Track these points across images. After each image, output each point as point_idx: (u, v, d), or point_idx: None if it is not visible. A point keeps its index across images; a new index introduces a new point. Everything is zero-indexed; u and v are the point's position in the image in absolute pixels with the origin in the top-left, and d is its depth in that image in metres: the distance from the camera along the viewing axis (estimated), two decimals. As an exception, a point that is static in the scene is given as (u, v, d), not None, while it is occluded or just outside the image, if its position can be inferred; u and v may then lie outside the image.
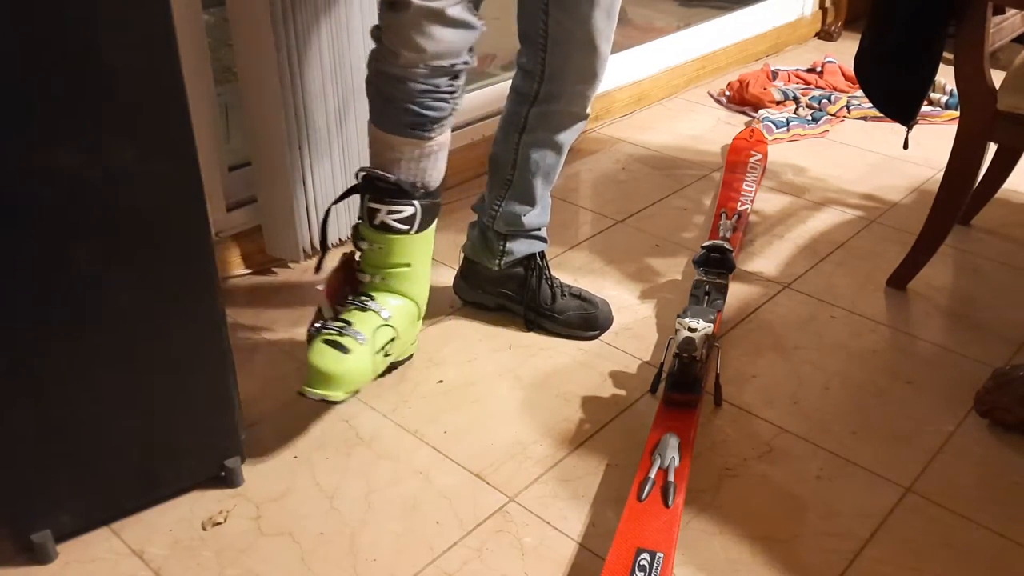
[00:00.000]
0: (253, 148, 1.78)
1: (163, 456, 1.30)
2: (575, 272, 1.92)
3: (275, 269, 1.91)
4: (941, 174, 1.79)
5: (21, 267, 1.08)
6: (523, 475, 1.40)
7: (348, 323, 1.41)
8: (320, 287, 1.47)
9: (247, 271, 1.89)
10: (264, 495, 1.36)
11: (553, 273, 1.73)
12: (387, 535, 1.29)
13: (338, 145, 1.80)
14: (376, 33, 1.35)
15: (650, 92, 2.79)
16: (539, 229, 1.69)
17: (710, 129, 2.64)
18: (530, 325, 1.72)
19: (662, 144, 2.53)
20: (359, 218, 1.45)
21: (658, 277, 1.92)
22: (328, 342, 1.37)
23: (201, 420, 1.31)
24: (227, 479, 1.36)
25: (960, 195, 1.78)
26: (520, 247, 1.68)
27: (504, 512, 1.34)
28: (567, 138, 1.62)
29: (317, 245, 1.59)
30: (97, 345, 1.17)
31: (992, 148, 1.86)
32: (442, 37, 1.30)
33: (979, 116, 1.68)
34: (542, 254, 1.70)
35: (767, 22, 3.19)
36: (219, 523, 1.31)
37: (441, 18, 1.28)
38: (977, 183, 1.88)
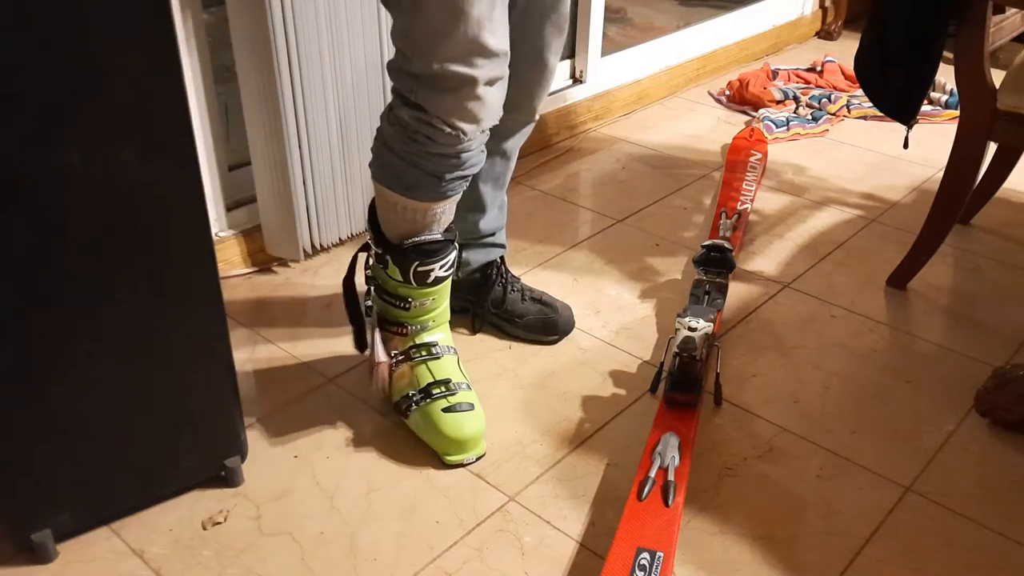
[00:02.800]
0: (253, 147, 1.78)
1: (163, 456, 1.30)
2: (575, 272, 1.92)
3: (275, 268, 1.91)
4: (941, 173, 1.78)
5: (21, 267, 1.07)
6: (523, 475, 1.40)
7: (447, 380, 1.42)
8: (381, 359, 1.43)
9: (247, 270, 1.89)
10: (264, 495, 1.36)
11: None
12: (387, 535, 1.30)
13: (338, 144, 1.80)
14: (416, 116, 1.22)
15: (650, 91, 2.79)
16: (494, 234, 1.65)
17: (710, 128, 2.64)
18: (476, 319, 1.68)
19: (662, 143, 2.53)
20: (374, 281, 1.40)
21: (658, 276, 1.92)
22: (449, 409, 1.39)
23: (201, 420, 1.31)
24: (227, 479, 1.36)
25: (960, 194, 1.78)
26: (477, 256, 1.65)
27: (504, 511, 1.34)
28: (515, 144, 1.58)
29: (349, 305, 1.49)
30: (97, 345, 1.17)
31: (992, 147, 1.86)
32: (497, 100, 1.23)
33: (979, 115, 1.68)
34: (501, 259, 1.67)
35: (767, 21, 3.19)
36: (219, 523, 1.31)
37: (500, 82, 1.22)
38: (977, 182, 1.88)
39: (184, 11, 1.60)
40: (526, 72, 1.45)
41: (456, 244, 1.39)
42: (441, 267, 1.37)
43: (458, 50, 1.15)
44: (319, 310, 1.79)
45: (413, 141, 1.24)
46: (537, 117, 1.56)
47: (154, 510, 1.32)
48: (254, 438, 1.44)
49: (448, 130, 1.21)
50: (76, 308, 1.13)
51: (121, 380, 1.21)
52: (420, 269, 1.35)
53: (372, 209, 1.39)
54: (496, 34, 1.16)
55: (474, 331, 1.69)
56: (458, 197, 1.34)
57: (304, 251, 1.86)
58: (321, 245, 1.89)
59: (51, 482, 1.21)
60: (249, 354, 1.65)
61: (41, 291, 1.10)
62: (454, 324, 1.69)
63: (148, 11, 1.04)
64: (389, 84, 1.28)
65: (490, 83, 1.19)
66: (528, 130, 1.58)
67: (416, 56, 1.18)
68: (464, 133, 1.22)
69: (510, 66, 1.42)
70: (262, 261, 1.91)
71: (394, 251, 1.35)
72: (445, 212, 1.34)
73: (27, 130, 1.02)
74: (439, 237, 1.35)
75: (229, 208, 1.87)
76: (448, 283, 1.43)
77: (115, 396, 1.21)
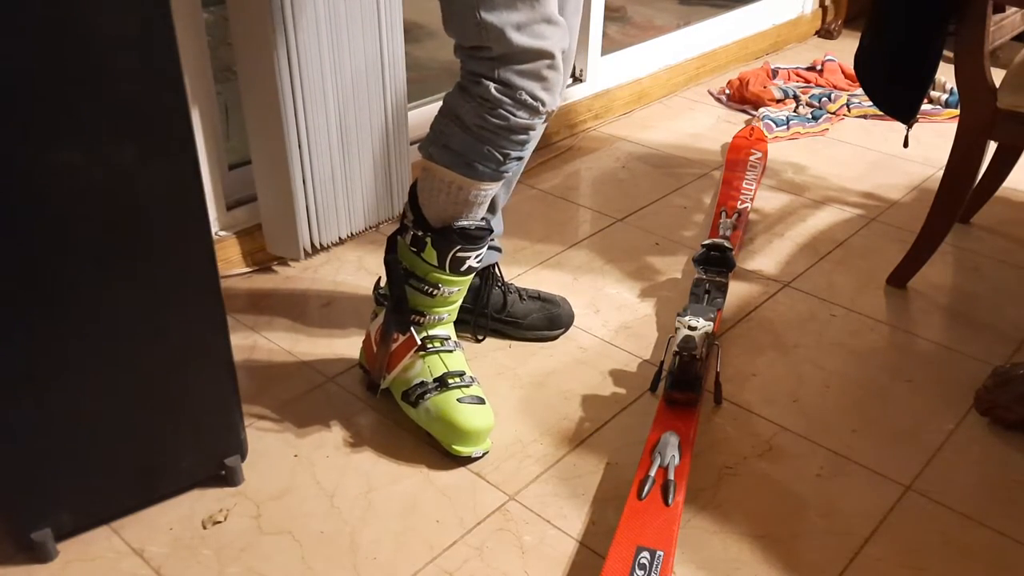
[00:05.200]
0: (253, 146, 1.78)
1: (163, 455, 1.30)
2: (575, 270, 1.92)
3: (275, 267, 1.91)
4: (941, 172, 1.79)
5: (21, 267, 1.08)
6: (523, 473, 1.40)
7: (462, 372, 1.44)
8: (418, 341, 1.41)
9: (247, 269, 1.89)
10: (264, 494, 1.36)
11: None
12: (387, 534, 1.30)
13: (338, 143, 1.80)
14: (502, 89, 1.25)
15: (650, 90, 2.79)
16: (494, 239, 1.65)
17: (710, 127, 2.64)
18: (478, 329, 1.69)
19: (662, 142, 2.53)
20: (399, 267, 1.41)
21: (658, 275, 1.92)
22: (463, 400, 1.41)
23: (201, 419, 1.31)
24: (227, 478, 1.36)
25: (960, 193, 1.78)
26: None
27: (504, 511, 1.34)
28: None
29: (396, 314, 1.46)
30: (97, 344, 1.17)
31: (992, 146, 1.86)
32: (564, 72, 1.30)
33: (979, 114, 1.68)
34: (495, 263, 1.68)
35: (767, 20, 3.19)
36: (219, 522, 1.31)
37: (564, 54, 1.28)
38: (977, 181, 1.88)
39: (184, 11, 1.61)
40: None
41: (490, 236, 1.42)
42: (476, 257, 1.40)
43: (530, 26, 1.22)
44: (319, 309, 1.79)
45: (492, 116, 1.27)
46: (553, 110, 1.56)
47: (154, 509, 1.33)
48: (254, 437, 1.44)
49: (531, 101, 1.27)
50: (76, 307, 1.13)
51: (121, 379, 1.21)
52: (459, 255, 1.37)
53: (412, 193, 1.40)
54: (554, 5, 1.25)
55: (478, 339, 1.69)
56: (502, 183, 1.38)
57: (304, 250, 1.86)
58: (321, 244, 1.89)
59: (51, 481, 1.21)
60: (249, 353, 1.65)
61: (41, 290, 1.10)
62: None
63: (148, 11, 1.04)
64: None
65: (561, 52, 1.27)
66: (541, 127, 1.58)
67: (492, 41, 1.23)
68: (544, 104, 1.28)
69: None
70: (262, 260, 1.91)
71: (437, 234, 1.37)
72: (489, 197, 1.37)
73: (27, 129, 1.02)
74: (483, 224, 1.38)
75: (229, 207, 1.87)
76: (469, 279, 1.44)
77: (115, 395, 1.21)
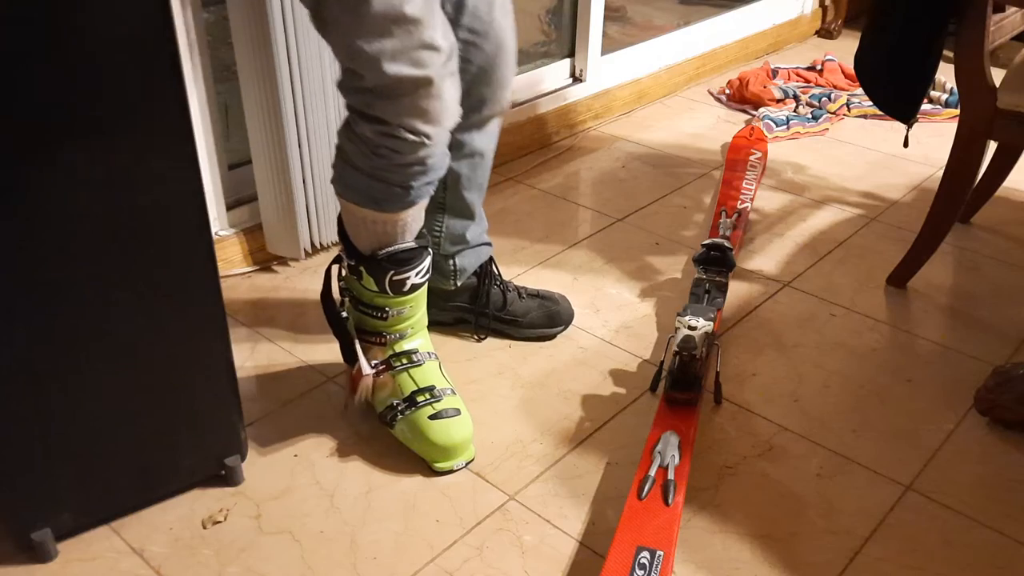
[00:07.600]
0: (253, 146, 1.78)
1: (163, 455, 1.30)
2: (575, 270, 1.92)
3: (275, 267, 1.91)
4: (941, 172, 1.78)
5: (21, 266, 1.07)
6: (523, 473, 1.40)
7: (431, 387, 1.41)
8: (366, 371, 1.40)
9: (247, 269, 1.89)
10: (264, 493, 1.36)
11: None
12: (387, 533, 1.30)
13: (338, 143, 1.80)
14: (378, 130, 1.20)
15: (650, 90, 2.79)
16: (481, 235, 1.64)
17: (710, 127, 2.64)
18: (479, 329, 1.68)
19: (662, 142, 2.53)
20: (348, 293, 1.39)
21: (658, 275, 1.92)
22: (436, 416, 1.39)
23: (201, 419, 1.31)
24: (227, 477, 1.36)
25: (960, 193, 1.78)
26: (469, 260, 1.63)
27: (504, 510, 1.34)
28: (490, 145, 1.54)
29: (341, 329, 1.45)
30: (97, 344, 1.17)
31: (992, 146, 1.86)
32: (454, 97, 1.22)
33: (979, 114, 1.67)
34: (490, 258, 1.67)
35: (767, 20, 3.19)
36: (219, 521, 1.31)
37: (453, 79, 1.21)
38: (977, 181, 1.88)
39: (184, 11, 1.60)
40: (491, 62, 1.42)
41: (429, 250, 1.38)
42: (417, 274, 1.35)
43: (406, 53, 1.14)
44: (319, 309, 1.78)
45: (377, 156, 1.23)
46: (506, 107, 1.52)
47: (154, 509, 1.33)
48: (254, 437, 1.44)
49: (412, 137, 1.20)
50: (76, 307, 1.13)
51: (121, 379, 1.21)
52: (396, 278, 1.34)
53: (341, 222, 1.37)
54: (438, 30, 1.16)
55: (479, 339, 1.69)
56: (426, 202, 1.33)
57: (304, 250, 1.86)
58: (321, 244, 1.89)
59: (51, 481, 1.21)
60: (249, 353, 1.65)
61: (41, 290, 1.10)
62: (454, 335, 1.69)
63: (148, 11, 1.04)
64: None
65: (444, 80, 1.18)
66: (497, 125, 1.54)
67: (366, 69, 1.16)
68: (428, 137, 1.21)
69: (475, 61, 1.40)
70: (262, 260, 1.91)
71: (368, 262, 1.34)
72: (415, 220, 1.33)
73: (27, 129, 1.02)
74: (412, 245, 1.34)
75: (229, 207, 1.87)
76: (425, 289, 1.41)
77: (115, 395, 1.21)
